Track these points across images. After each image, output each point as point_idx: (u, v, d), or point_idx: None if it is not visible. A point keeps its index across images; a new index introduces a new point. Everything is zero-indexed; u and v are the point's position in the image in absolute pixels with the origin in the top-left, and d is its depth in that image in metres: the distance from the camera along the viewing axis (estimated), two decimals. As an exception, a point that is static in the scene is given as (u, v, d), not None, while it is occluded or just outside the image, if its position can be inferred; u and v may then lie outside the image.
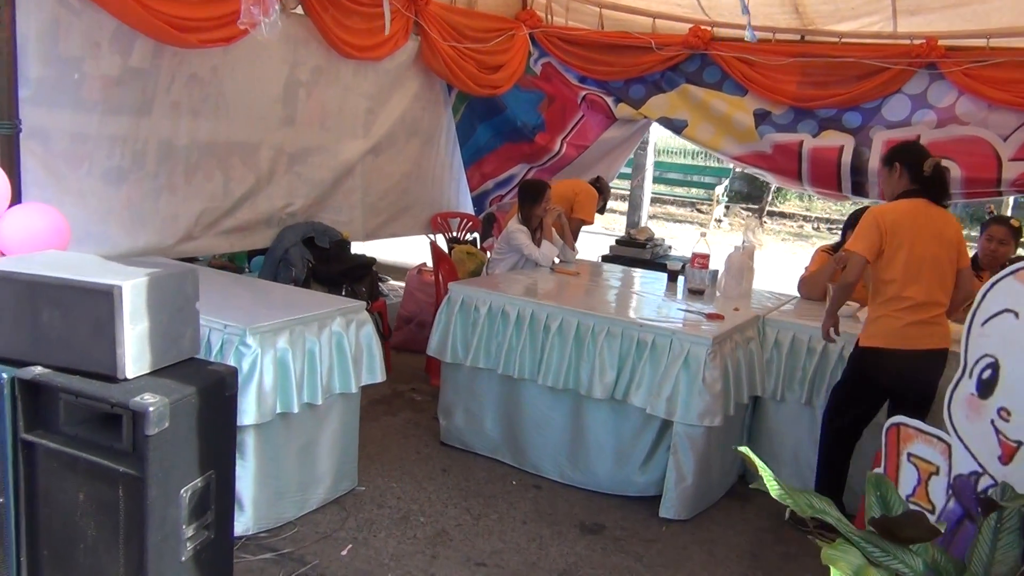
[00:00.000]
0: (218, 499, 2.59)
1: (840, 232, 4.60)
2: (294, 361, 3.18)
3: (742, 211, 14.91)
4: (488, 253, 6.21)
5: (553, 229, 5.00)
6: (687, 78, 6.11)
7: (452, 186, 6.53)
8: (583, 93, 6.39)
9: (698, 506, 3.72)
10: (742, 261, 4.34)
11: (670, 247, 6.16)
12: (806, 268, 4.63)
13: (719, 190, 13.97)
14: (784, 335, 3.95)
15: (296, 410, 3.19)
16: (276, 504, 3.30)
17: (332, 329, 3.39)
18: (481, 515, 3.58)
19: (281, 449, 3.27)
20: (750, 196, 15.36)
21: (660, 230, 11.06)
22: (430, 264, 6.12)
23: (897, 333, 3.35)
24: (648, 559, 3.35)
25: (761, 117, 5.89)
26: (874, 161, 5.51)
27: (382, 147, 5.63)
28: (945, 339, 3.40)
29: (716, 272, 4.54)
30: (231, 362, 3.02)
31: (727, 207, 14.68)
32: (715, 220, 13.63)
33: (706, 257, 4.38)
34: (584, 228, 5.83)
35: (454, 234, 6.42)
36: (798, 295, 4.47)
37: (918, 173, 3.43)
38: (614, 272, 5.10)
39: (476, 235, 6.54)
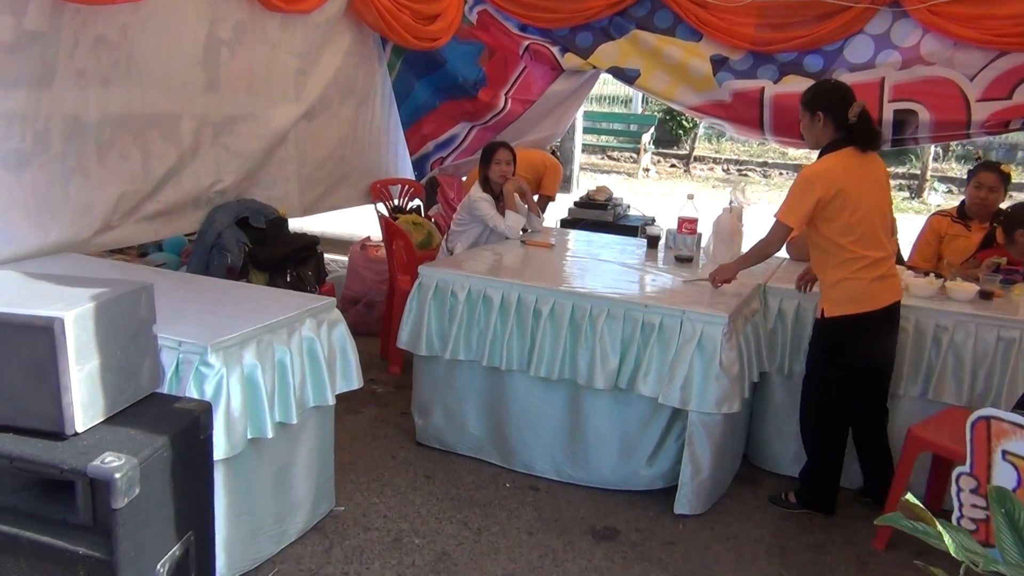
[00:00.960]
0: (199, 562, 2.13)
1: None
2: (264, 377, 2.69)
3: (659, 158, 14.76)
4: (434, 221, 5.75)
5: (517, 196, 4.56)
6: (637, 23, 5.71)
7: (390, 150, 5.99)
8: (525, 43, 5.91)
9: (712, 497, 3.42)
10: (732, 223, 4.02)
11: (628, 206, 5.81)
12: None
13: (646, 138, 13.67)
14: (788, 304, 3.66)
15: (271, 435, 2.71)
16: (252, 543, 2.83)
17: (303, 334, 2.90)
18: (481, 529, 3.20)
19: (254, 481, 2.79)
20: (659, 141, 15.08)
21: (589, 182, 10.71)
22: (374, 237, 5.62)
23: (864, 294, 3.18)
24: (673, 566, 3.04)
25: (719, 63, 5.55)
26: (840, 107, 5.27)
27: (316, 111, 5.05)
28: (900, 291, 3.33)
29: (700, 236, 4.22)
30: (191, 387, 2.51)
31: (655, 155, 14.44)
32: (643, 169, 13.38)
33: (694, 222, 4.05)
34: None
35: (396, 202, 5.90)
36: (787, 256, 4.19)
37: (843, 120, 3.19)
38: (586, 240, 4.71)
39: (419, 202, 6.04)
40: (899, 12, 5.11)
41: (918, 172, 12.64)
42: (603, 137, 15.28)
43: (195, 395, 2.49)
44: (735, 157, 14.90)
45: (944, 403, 3.40)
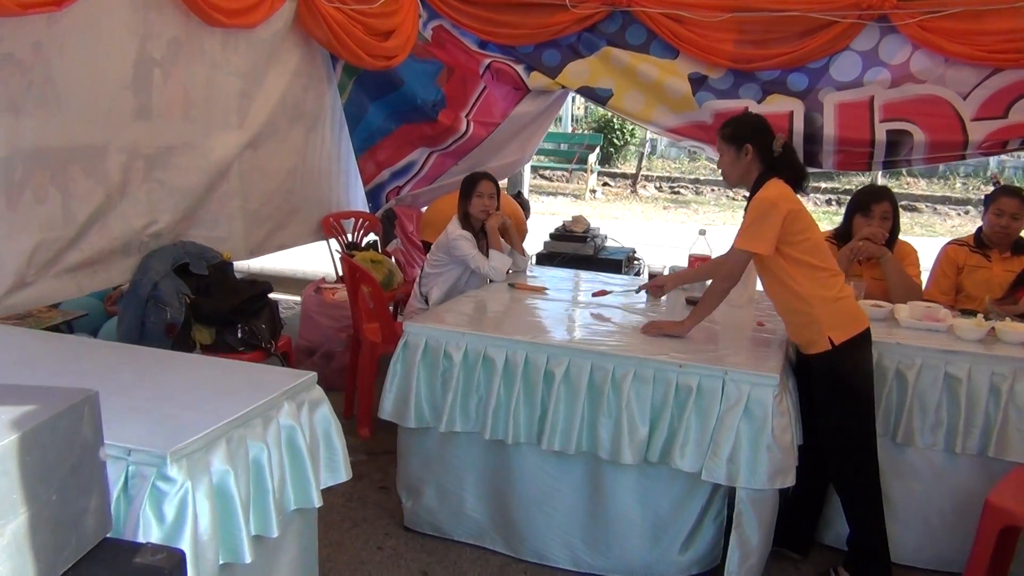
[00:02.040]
0: None
1: (844, 215, 3.94)
2: (238, 484, 2.11)
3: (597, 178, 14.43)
4: (393, 258, 5.20)
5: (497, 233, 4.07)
6: (608, 40, 5.30)
7: (342, 180, 5.42)
8: (486, 61, 5.44)
9: (758, 582, 2.97)
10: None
11: (606, 236, 5.37)
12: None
13: (592, 158, 13.32)
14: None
15: (249, 559, 2.13)
16: None
17: (280, 423, 2.33)
18: (497, 640, 2.67)
19: (227, 616, 2.21)
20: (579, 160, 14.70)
21: (537, 204, 10.27)
22: (328, 276, 5.04)
23: (857, 312, 3.00)
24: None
25: (697, 82, 5.17)
26: (829, 127, 4.96)
27: (262, 139, 4.46)
28: None
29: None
30: (146, 510, 1.91)
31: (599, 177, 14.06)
32: (590, 191, 13.01)
33: (708, 260, 3.61)
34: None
35: (350, 237, 5.33)
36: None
37: (769, 153, 3.02)
38: (574, 279, 4.23)
39: (375, 237, 5.48)
40: (887, 28, 4.83)
41: (850, 188, 12.63)
42: (538, 156, 14.91)
43: (153, 521, 1.90)
44: (667, 174, 14.70)
45: (1010, 462, 3.02)
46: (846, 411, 2.94)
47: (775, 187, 2.96)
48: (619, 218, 11.05)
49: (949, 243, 4.13)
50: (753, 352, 2.97)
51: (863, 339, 2.94)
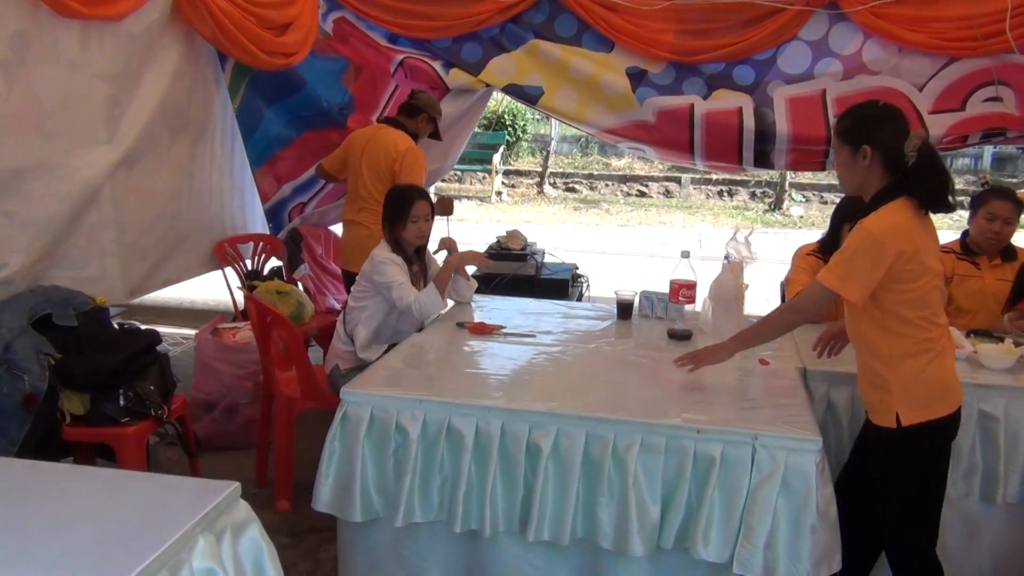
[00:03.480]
0: None
1: (831, 224, 3.50)
2: None
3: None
4: (301, 286, 4.49)
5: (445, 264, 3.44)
6: (535, 32, 4.75)
7: (237, 199, 4.66)
8: (398, 57, 4.79)
9: None
10: (734, 284, 3.09)
11: (544, 251, 4.80)
12: (788, 277, 3.51)
13: (496, 159, 12.72)
14: (838, 393, 2.78)
15: None
16: None
17: (195, 567, 1.65)
18: None
19: None
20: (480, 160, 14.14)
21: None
22: (229, 314, 4.28)
23: (946, 389, 2.35)
24: None
25: (636, 78, 4.68)
26: (781, 124, 4.55)
27: (138, 155, 3.66)
28: None
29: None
30: None
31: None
32: (495, 193, 12.42)
33: (693, 287, 3.09)
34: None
35: (249, 265, 4.58)
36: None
37: (896, 160, 2.27)
38: (523, 309, 3.62)
39: (279, 262, 4.74)
40: (837, 15, 4.45)
41: (774, 181, 12.49)
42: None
43: None
44: (560, 170, 14.26)
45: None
46: (912, 488, 2.41)
47: (892, 215, 2.26)
48: (531, 222, 10.52)
49: (935, 251, 3.75)
50: (779, 406, 2.44)
51: (945, 426, 2.34)
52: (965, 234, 3.68)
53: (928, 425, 2.31)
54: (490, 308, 3.57)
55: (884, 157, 2.28)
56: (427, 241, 3.44)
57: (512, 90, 4.83)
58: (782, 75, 4.58)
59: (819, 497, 2.19)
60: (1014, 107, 4.42)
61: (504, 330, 3.18)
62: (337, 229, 4.84)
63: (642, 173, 14.12)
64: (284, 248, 4.75)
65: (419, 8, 4.75)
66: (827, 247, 3.45)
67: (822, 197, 12.93)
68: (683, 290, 3.04)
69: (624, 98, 4.67)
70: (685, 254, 3.09)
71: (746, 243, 3.11)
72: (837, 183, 12.71)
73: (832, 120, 4.51)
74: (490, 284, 4.26)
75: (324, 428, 2.50)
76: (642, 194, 13.64)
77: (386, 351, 3.28)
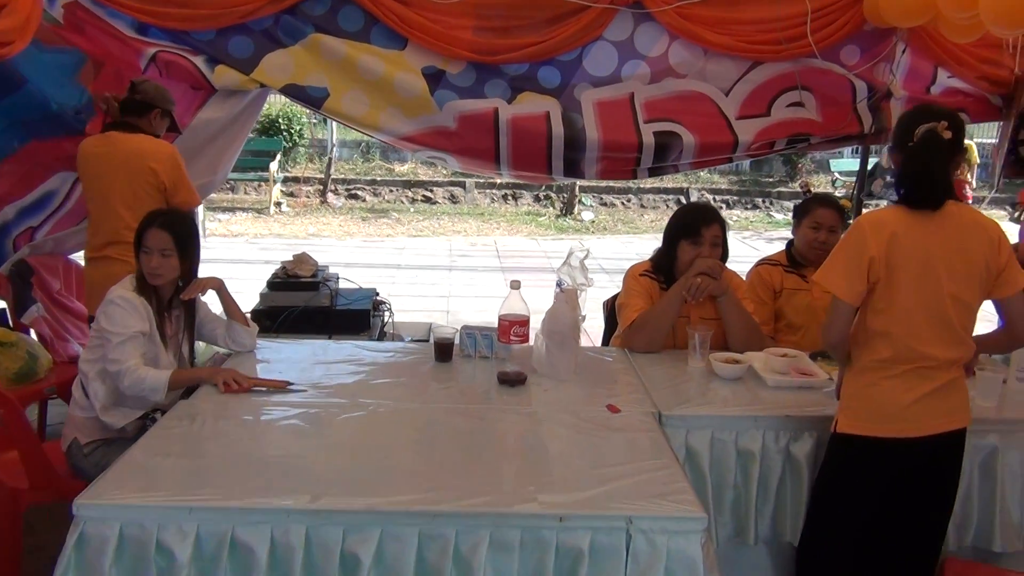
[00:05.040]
0: None
1: (664, 239, 3.16)
2: None
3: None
4: (33, 333, 3.61)
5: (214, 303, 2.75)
6: (316, 25, 4.13)
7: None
8: (150, 51, 4.01)
9: None
10: (568, 315, 2.66)
11: (337, 276, 4.15)
12: (620, 301, 3.14)
13: (274, 167, 11.71)
14: (697, 439, 2.42)
15: None
16: None
17: None
18: None
19: None
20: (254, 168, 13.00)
21: (214, 225, 8.65)
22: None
23: (896, 412, 2.25)
24: None
25: (434, 78, 4.19)
26: (591, 130, 4.24)
27: None
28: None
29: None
30: None
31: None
32: (274, 204, 11.41)
33: (526, 323, 2.61)
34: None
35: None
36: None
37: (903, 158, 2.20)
38: (333, 354, 2.99)
39: (2, 304, 3.79)
40: (642, 15, 4.22)
41: (561, 185, 12.34)
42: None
43: None
44: (342, 176, 13.47)
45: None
46: (828, 496, 2.30)
47: (878, 212, 2.26)
48: (317, 235, 9.70)
49: (760, 263, 3.55)
50: (647, 472, 2.02)
51: (878, 449, 2.18)
52: (790, 245, 3.51)
53: (864, 441, 2.19)
54: (278, 359, 2.91)
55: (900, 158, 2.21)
56: (166, 281, 2.70)
57: (292, 91, 4.17)
58: (589, 77, 4.28)
59: (707, 588, 1.79)
60: (816, 112, 4.39)
61: (293, 386, 2.55)
62: (80, 258, 3.97)
63: (426, 178, 13.68)
64: (9, 285, 3.80)
65: (174, -7, 3.99)
66: (661, 265, 3.13)
67: (604, 200, 13.03)
68: (515, 327, 2.57)
69: (421, 101, 4.17)
70: (515, 285, 2.61)
71: (581, 267, 2.71)
72: (621, 186, 12.86)
73: (642, 125, 4.27)
74: (276, 321, 3.58)
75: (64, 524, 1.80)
76: (427, 199, 13.19)
77: (145, 420, 2.57)
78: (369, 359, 2.91)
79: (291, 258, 4.00)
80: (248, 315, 3.02)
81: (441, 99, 4.17)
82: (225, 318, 2.85)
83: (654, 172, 4.53)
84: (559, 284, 2.72)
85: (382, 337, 3.89)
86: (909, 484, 2.21)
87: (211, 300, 2.90)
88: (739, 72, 4.32)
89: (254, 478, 1.95)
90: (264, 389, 2.52)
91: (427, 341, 4.64)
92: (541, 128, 4.23)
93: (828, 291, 2.20)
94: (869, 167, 6.63)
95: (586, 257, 2.66)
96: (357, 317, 3.72)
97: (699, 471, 2.40)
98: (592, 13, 4.17)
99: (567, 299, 2.67)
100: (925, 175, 2.09)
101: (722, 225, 3.06)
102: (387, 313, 4.05)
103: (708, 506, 2.34)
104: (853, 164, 12.13)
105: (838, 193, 11.72)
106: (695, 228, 3.00)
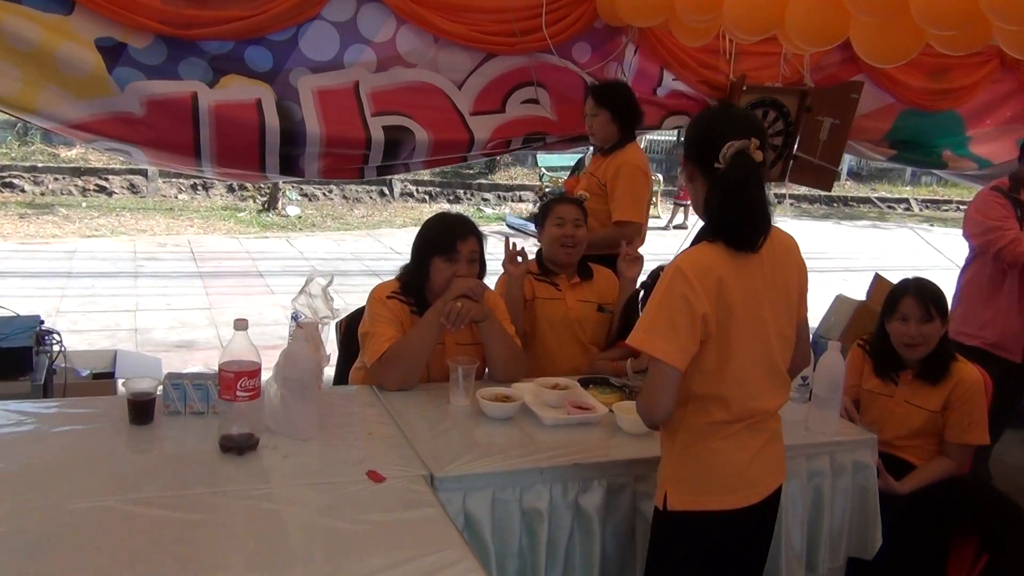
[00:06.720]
0: None
1: (412, 257, 2.70)
2: None
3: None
4: None
5: None
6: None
7: None
8: None
9: None
10: (313, 357, 2.11)
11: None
12: (364, 329, 2.63)
13: None
14: (476, 502, 2.00)
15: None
16: None
17: None
18: None
19: None
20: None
21: None
22: None
23: (731, 479, 1.98)
24: None
25: (112, 53, 3.41)
26: (312, 123, 3.71)
27: None
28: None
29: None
30: None
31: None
32: None
33: (257, 373, 2.00)
34: None
35: None
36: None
37: (712, 181, 1.83)
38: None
39: None
40: (365, -7, 3.72)
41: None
42: None
43: None
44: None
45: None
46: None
47: (697, 254, 1.82)
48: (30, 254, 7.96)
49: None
50: (427, 557, 1.56)
51: (718, 522, 1.87)
52: (539, 253, 3.24)
53: (697, 516, 1.88)
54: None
55: (702, 175, 1.87)
56: None
57: None
58: (307, 62, 3.73)
59: None
60: (550, 110, 4.21)
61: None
62: None
63: (100, 165, 12.04)
64: None
65: None
66: (411, 286, 2.68)
67: (305, 191, 12.26)
68: (242, 380, 1.96)
69: (95, 80, 3.36)
70: (240, 325, 1.99)
71: (324, 296, 2.18)
72: (324, 183, 12.19)
73: (370, 119, 3.79)
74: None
75: None
76: (102, 190, 11.61)
77: None
78: (31, 429, 2.14)
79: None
80: None
81: (122, 79, 3.40)
82: None
83: (383, 171, 4.07)
84: (295, 318, 2.16)
85: (49, 383, 3.04)
86: (741, 549, 1.96)
87: None
88: (472, 64, 4.03)
89: None
90: None
91: (112, 376, 3.84)
92: (252, 118, 3.60)
93: (646, 352, 1.81)
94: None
95: (329, 284, 2.14)
96: (15, 357, 2.85)
97: (480, 540, 1.99)
98: (309, -12, 3.61)
99: (307, 336, 2.13)
100: (747, 215, 1.77)
101: (479, 238, 2.67)
102: (57, 346, 3.19)
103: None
104: (561, 160, 12.51)
105: (546, 189, 12.00)
106: (450, 243, 2.58)
